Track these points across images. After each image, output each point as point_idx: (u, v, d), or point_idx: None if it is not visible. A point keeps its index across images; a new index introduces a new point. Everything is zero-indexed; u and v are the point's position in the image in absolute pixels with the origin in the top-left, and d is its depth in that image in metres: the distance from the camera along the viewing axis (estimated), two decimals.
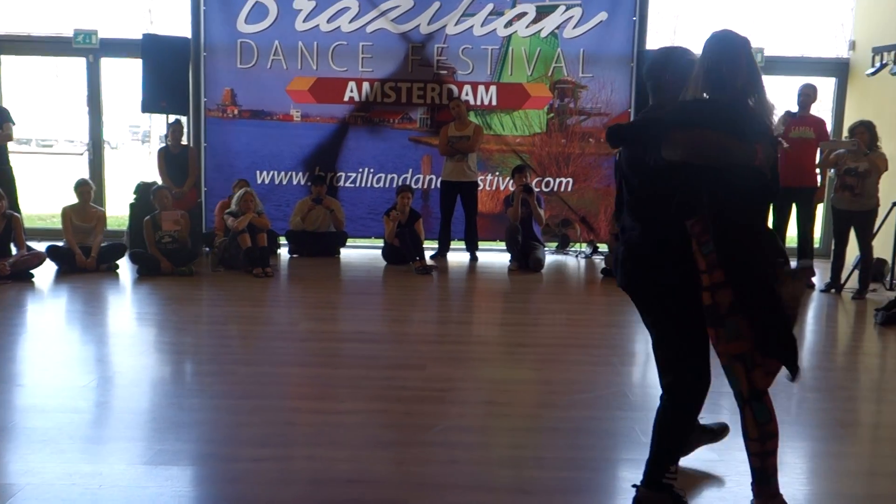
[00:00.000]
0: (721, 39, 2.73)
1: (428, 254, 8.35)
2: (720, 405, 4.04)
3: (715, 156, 2.60)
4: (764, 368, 2.76)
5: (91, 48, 9.46)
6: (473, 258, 8.71)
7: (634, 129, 2.99)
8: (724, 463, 3.33)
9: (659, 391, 2.95)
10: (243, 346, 5.27)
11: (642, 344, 5.64)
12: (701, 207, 2.63)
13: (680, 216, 2.67)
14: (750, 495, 2.88)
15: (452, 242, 8.91)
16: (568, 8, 9.05)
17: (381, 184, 9.31)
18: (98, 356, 5.02)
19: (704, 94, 2.69)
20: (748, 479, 2.90)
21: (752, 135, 2.61)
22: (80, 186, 7.88)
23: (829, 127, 8.37)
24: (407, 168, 9.30)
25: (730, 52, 2.68)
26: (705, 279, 2.66)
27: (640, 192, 2.80)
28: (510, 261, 8.34)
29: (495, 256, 8.92)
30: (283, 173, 9.34)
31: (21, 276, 7.11)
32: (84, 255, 7.58)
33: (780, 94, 8.96)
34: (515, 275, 8.01)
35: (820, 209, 8.09)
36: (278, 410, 3.91)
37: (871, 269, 7.19)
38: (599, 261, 8.62)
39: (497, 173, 9.28)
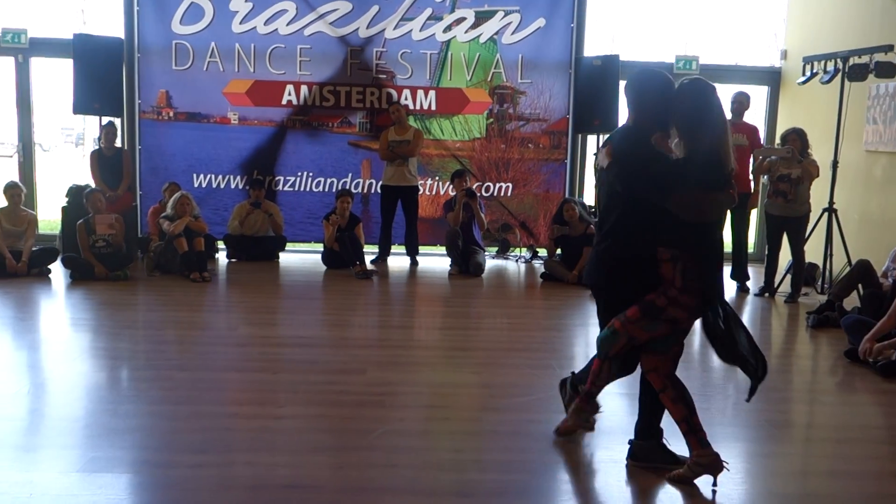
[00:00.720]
0: (694, 90, 3.18)
1: (368, 258, 8.32)
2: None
3: (717, 214, 3.31)
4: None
5: (20, 47, 9.18)
6: (414, 262, 8.71)
7: (641, 164, 3.24)
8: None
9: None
10: (180, 352, 5.18)
11: (581, 347, 5.73)
12: (676, 241, 3.17)
13: (656, 244, 3.19)
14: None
15: (393, 247, 8.91)
16: (506, 14, 9.13)
17: (321, 188, 9.25)
18: (30, 362, 4.87)
19: (679, 139, 3.20)
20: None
21: (730, 183, 3.25)
22: (10, 189, 7.64)
23: (762, 134, 8.62)
24: (346, 172, 9.27)
25: (703, 104, 3.14)
26: (672, 292, 3.17)
27: (608, 213, 3.36)
28: (450, 265, 8.37)
29: (436, 261, 8.94)
30: (220, 177, 9.20)
31: None
32: (15, 259, 7.35)
33: None
34: (456, 279, 8.04)
35: (754, 215, 8.32)
36: (216, 416, 3.86)
37: (803, 273, 7.41)
38: (539, 265, 8.70)
39: (437, 178, 9.31)
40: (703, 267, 3.20)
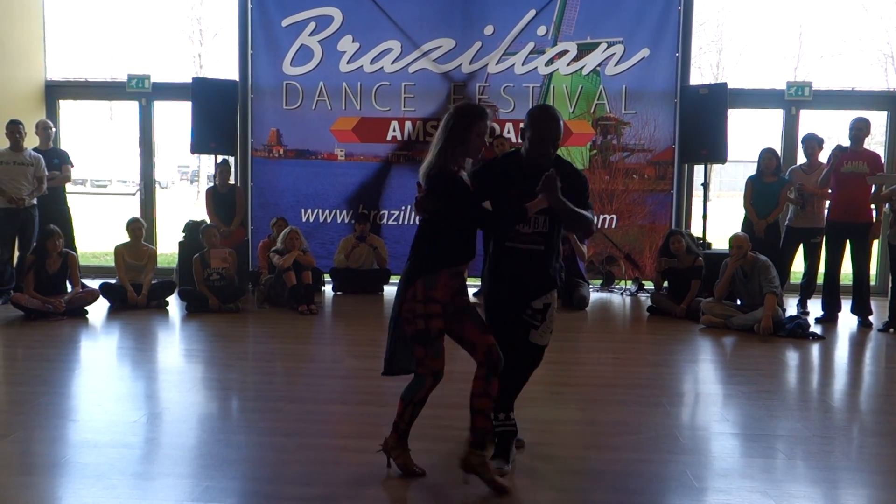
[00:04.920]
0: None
1: (471, 291, 8.32)
2: (776, 448, 3.95)
3: None
4: None
5: (144, 92, 9.75)
6: None
7: None
8: None
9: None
10: (288, 383, 5.29)
11: (691, 384, 5.54)
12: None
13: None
14: None
15: None
16: (610, 45, 9.07)
17: None
18: (148, 392, 5.08)
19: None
20: None
21: None
22: (132, 224, 8.06)
23: (883, 161, 8.20)
24: None
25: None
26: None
27: None
28: None
29: None
30: (327, 211, 9.45)
31: (76, 312, 7.28)
32: (135, 292, 7.72)
33: (831, 128, 8.83)
34: (559, 312, 7.89)
35: (876, 245, 7.90)
36: (323, 449, 3.90)
37: None
38: (645, 298, 8.51)
39: None
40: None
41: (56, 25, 10.77)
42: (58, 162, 8.49)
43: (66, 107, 10.23)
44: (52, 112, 9.87)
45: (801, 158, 8.28)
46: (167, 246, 10.76)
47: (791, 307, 7.96)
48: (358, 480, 3.48)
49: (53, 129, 8.80)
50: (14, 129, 7.91)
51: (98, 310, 7.56)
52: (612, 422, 4.42)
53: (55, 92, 9.95)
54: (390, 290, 8.99)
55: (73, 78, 10.29)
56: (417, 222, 3.51)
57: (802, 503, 3.28)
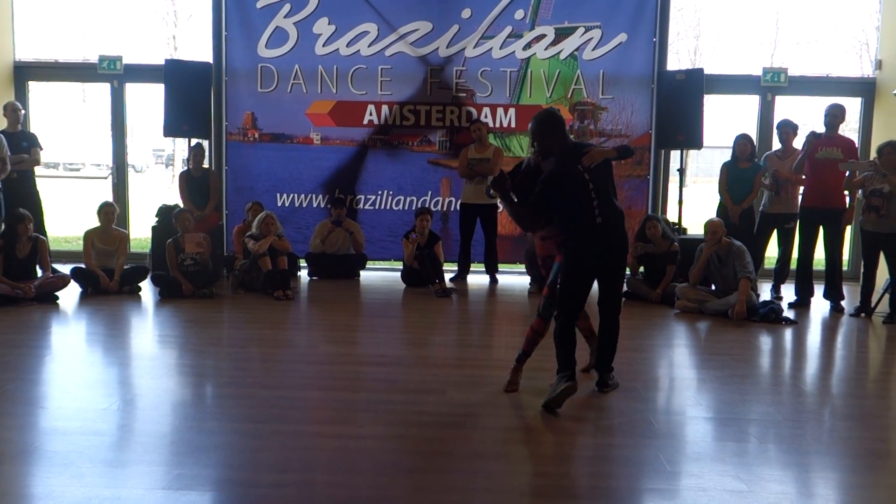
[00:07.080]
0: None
1: (447, 276, 8.32)
2: (748, 432, 3.99)
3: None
4: None
5: (116, 74, 9.59)
6: (493, 281, 8.67)
7: None
8: (752, 494, 3.24)
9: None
10: (263, 369, 5.25)
11: (666, 369, 5.57)
12: None
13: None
14: None
15: (472, 265, 8.88)
16: (587, 30, 9.05)
17: (401, 206, 9.32)
18: (120, 378, 5.02)
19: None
20: None
21: None
22: (104, 209, 7.94)
23: (857, 147, 8.27)
24: (426, 190, 9.31)
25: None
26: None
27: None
28: (530, 283, 8.28)
29: (515, 279, 8.86)
30: (302, 196, 9.38)
31: (46, 298, 7.17)
32: (107, 277, 7.62)
33: (806, 114, 8.90)
34: (536, 297, 7.92)
35: (848, 231, 7.98)
36: (298, 435, 3.88)
37: None
38: None
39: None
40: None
41: (25, 4, 10.56)
42: (27, 145, 8.33)
43: (35, 88, 10.05)
44: (21, 93, 9.67)
45: (776, 144, 8.33)
46: (140, 230, 10.63)
47: (765, 292, 8.02)
48: (333, 466, 3.46)
49: (23, 112, 8.63)
50: None
51: (69, 295, 7.46)
52: (587, 407, 4.43)
53: (24, 73, 9.75)
54: (366, 275, 8.96)
55: (43, 59, 10.12)
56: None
57: (773, 486, 3.31)
